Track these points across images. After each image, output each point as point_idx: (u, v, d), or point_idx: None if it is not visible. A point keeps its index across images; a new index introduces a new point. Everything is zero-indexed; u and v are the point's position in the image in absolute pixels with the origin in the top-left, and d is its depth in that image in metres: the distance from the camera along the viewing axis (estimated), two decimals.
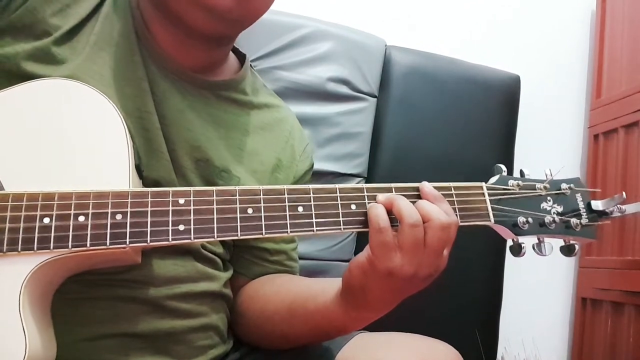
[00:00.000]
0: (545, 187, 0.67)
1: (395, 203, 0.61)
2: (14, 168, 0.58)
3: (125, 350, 0.66)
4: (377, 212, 0.60)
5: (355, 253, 1.36)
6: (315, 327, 0.69)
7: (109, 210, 0.56)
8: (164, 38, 0.74)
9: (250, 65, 0.88)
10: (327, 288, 0.68)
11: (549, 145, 1.73)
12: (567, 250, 0.68)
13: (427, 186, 0.64)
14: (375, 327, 0.77)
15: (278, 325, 0.74)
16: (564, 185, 0.68)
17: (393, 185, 0.64)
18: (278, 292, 0.76)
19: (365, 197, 0.62)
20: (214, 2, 0.67)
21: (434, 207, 0.61)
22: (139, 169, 0.66)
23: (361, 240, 1.38)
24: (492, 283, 1.47)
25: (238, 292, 0.83)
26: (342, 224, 0.61)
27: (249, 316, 0.79)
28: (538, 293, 1.69)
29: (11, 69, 0.65)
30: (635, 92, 1.55)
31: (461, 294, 1.34)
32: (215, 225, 0.58)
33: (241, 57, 0.87)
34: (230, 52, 0.85)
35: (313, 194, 0.61)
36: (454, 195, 0.66)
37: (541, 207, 0.67)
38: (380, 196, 0.62)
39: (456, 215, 0.64)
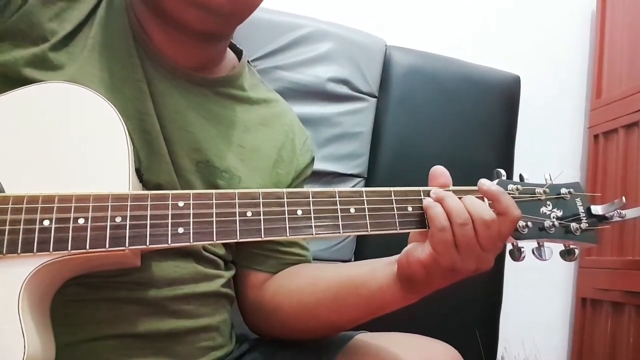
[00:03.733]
0: (544, 192, 0.67)
1: (444, 202, 0.62)
2: (15, 170, 0.58)
3: (127, 351, 0.67)
4: (439, 211, 0.61)
5: (355, 253, 1.37)
6: (369, 311, 0.71)
7: (109, 213, 0.56)
8: (159, 37, 0.73)
9: (248, 61, 0.87)
10: (375, 273, 0.69)
11: (549, 146, 1.73)
12: (567, 255, 0.67)
13: (484, 184, 0.64)
14: (375, 327, 0.77)
15: (325, 315, 0.73)
16: (563, 190, 0.68)
17: (392, 189, 0.63)
18: (315, 284, 0.75)
19: (365, 201, 0.62)
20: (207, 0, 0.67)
21: (477, 205, 0.62)
22: (139, 172, 0.65)
23: (361, 241, 1.38)
24: (492, 283, 1.47)
25: (260, 289, 0.81)
26: (341, 227, 0.61)
27: (285, 311, 0.77)
28: (538, 293, 1.69)
29: (12, 76, 0.65)
30: (635, 92, 1.55)
31: (461, 294, 1.33)
32: (214, 228, 0.58)
33: (238, 53, 0.87)
34: (228, 49, 0.84)
35: (312, 197, 0.61)
36: None
37: (540, 211, 0.67)
38: (433, 194, 0.63)
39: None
